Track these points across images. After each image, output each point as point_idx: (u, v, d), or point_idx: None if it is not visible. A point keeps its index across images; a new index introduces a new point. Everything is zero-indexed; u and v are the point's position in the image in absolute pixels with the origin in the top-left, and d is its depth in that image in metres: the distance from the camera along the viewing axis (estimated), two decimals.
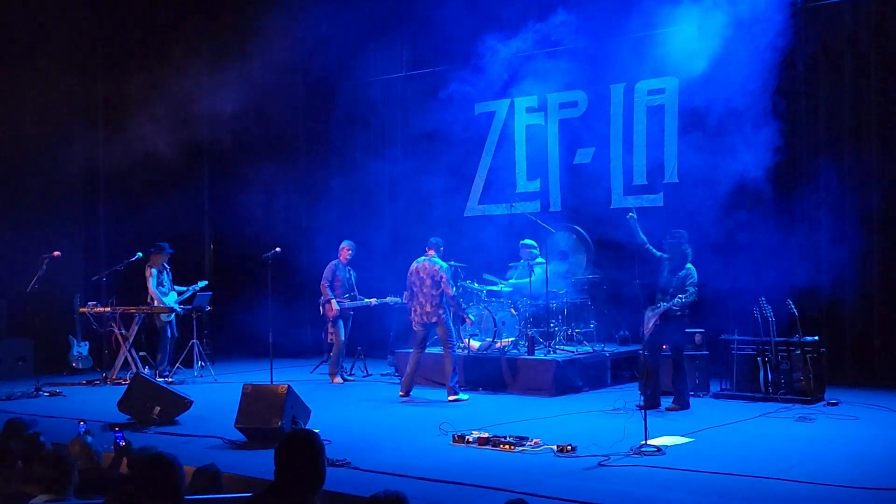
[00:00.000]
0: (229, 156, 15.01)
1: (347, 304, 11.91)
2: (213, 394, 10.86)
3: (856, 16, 10.89)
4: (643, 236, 9.60)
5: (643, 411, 7.75)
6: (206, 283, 13.07)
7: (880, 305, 10.73)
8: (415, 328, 10.59)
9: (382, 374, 12.45)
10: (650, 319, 9.31)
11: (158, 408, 8.89)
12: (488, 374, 10.96)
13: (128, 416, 8.99)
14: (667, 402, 9.39)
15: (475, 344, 11.17)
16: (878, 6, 10.77)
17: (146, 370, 11.98)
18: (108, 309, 12.17)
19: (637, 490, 6.26)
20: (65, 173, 13.90)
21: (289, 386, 8.16)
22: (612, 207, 12.28)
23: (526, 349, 11.05)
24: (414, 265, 10.58)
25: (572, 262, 12.25)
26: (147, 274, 12.27)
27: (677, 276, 9.30)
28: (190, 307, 12.51)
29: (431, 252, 10.56)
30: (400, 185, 14.36)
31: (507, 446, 7.54)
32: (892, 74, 10.68)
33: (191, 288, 12.71)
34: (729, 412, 9.07)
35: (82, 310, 12.49)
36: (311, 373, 12.55)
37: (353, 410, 9.84)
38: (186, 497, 4.40)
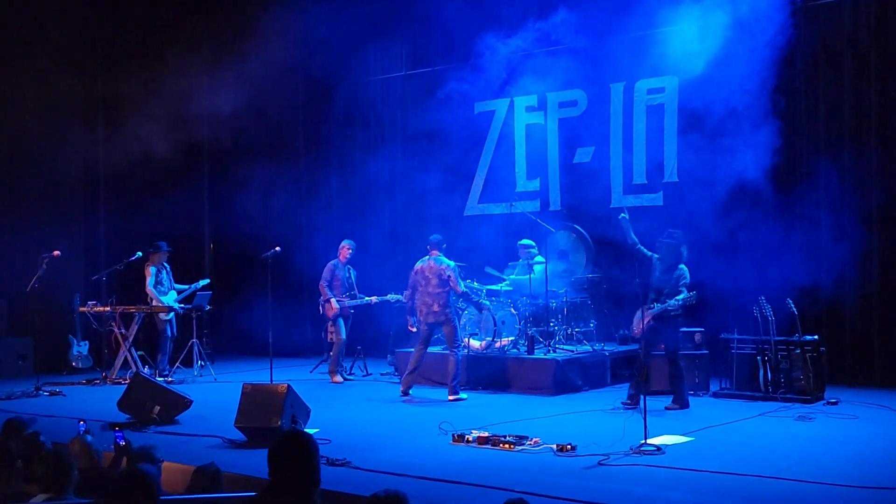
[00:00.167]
0: (229, 155, 15.01)
1: (348, 302, 11.91)
2: (213, 393, 10.87)
3: (855, 15, 10.89)
4: (634, 236, 9.59)
5: (643, 411, 7.74)
6: (207, 281, 13.07)
7: (880, 305, 10.73)
8: (420, 327, 10.56)
9: (382, 374, 12.45)
10: (641, 319, 9.31)
11: (158, 407, 8.89)
12: (488, 374, 10.96)
13: (128, 416, 8.99)
14: (665, 401, 9.38)
15: (475, 343, 11.17)
16: (878, 5, 10.77)
17: (146, 369, 11.98)
18: (108, 308, 12.17)
19: (637, 489, 6.26)
20: (64, 173, 13.91)
21: (288, 385, 8.16)
22: (611, 206, 12.28)
23: (526, 348, 11.06)
24: (419, 265, 10.56)
25: (572, 261, 12.25)
26: (146, 273, 12.28)
27: (670, 277, 9.29)
28: (190, 307, 12.51)
29: (435, 252, 10.54)
30: (399, 184, 14.36)
31: (506, 445, 7.54)
32: (891, 73, 10.67)
33: (191, 286, 12.71)
34: (729, 411, 9.08)
35: (82, 309, 12.49)
36: (311, 372, 12.56)
37: (352, 410, 9.84)
38: (186, 497, 4.42)
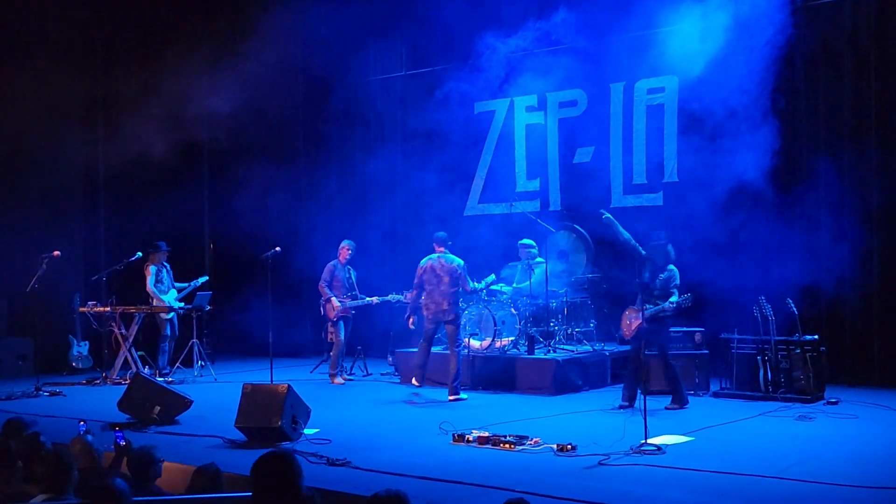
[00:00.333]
0: (228, 155, 15.02)
1: (349, 303, 11.90)
2: (213, 393, 10.86)
3: (855, 15, 10.89)
4: (626, 233, 9.52)
5: (642, 411, 7.74)
6: (206, 278, 13.08)
7: (880, 305, 10.73)
8: (425, 324, 10.54)
9: (382, 374, 12.45)
10: (633, 320, 9.30)
11: (158, 407, 8.89)
12: (488, 374, 10.96)
13: (128, 416, 8.99)
14: (664, 401, 9.38)
15: (475, 343, 11.17)
16: (878, 5, 10.77)
17: (146, 370, 11.98)
18: (108, 308, 12.17)
19: (637, 489, 6.26)
20: (64, 173, 13.91)
21: (289, 385, 8.16)
22: (611, 206, 12.26)
23: (526, 348, 11.06)
24: (427, 262, 10.52)
25: (572, 261, 12.25)
26: (146, 273, 12.29)
27: (660, 278, 9.26)
28: (190, 307, 12.51)
29: (442, 248, 10.53)
30: (399, 184, 14.36)
31: (507, 445, 7.54)
32: (891, 73, 10.67)
33: (191, 284, 12.72)
34: (729, 411, 9.08)
35: (82, 309, 12.49)
36: (311, 372, 12.56)
37: (353, 410, 9.84)
38: (184, 497, 4.42)
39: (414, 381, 10.59)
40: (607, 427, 8.22)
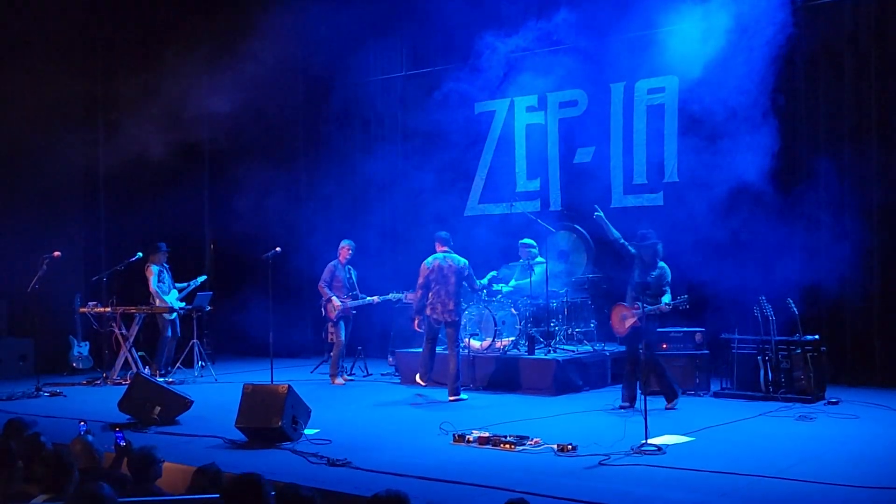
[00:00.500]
0: (228, 156, 15.02)
1: (350, 303, 11.89)
2: (214, 394, 10.86)
3: (856, 14, 10.89)
4: (616, 232, 9.54)
5: (643, 410, 7.74)
6: (205, 277, 13.08)
7: (881, 304, 10.72)
8: (432, 324, 10.45)
9: (383, 374, 12.45)
10: (627, 318, 9.30)
11: (159, 408, 8.88)
12: (489, 374, 10.96)
13: (128, 416, 8.99)
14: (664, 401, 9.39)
15: (475, 343, 11.16)
16: (878, 4, 10.76)
17: (146, 370, 11.98)
18: (109, 309, 12.17)
19: (638, 489, 6.25)
20: (65, 173, 13.91)
21: (289, 386, 8.16)
22: (612, 206, 12.28)
23: (526, 348, 11.05)
24: (433, 262, 10.46)
25: (572, 261, 12.25)
26: (148, 273, 12.29)
27: (652, 276, 9.25)
28: (190, 307, 12.51)
29: (444, 248, 10.51)
30: (399, 184, 14.35)
31: (507, 446, 7.54)
32: (892, 73, 10.67)
33: (190, 284, 12.72)
34: (729, 411, 9.07)
35: (82, 310, 12.49)
36: (312, 372, 12.55)
37: (353, 410, 9.84)
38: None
39: (420, 380, 10.55)
40: (608, 427, 8.22)
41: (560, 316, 11.59)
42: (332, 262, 11.99)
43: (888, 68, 10.67)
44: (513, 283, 11.81)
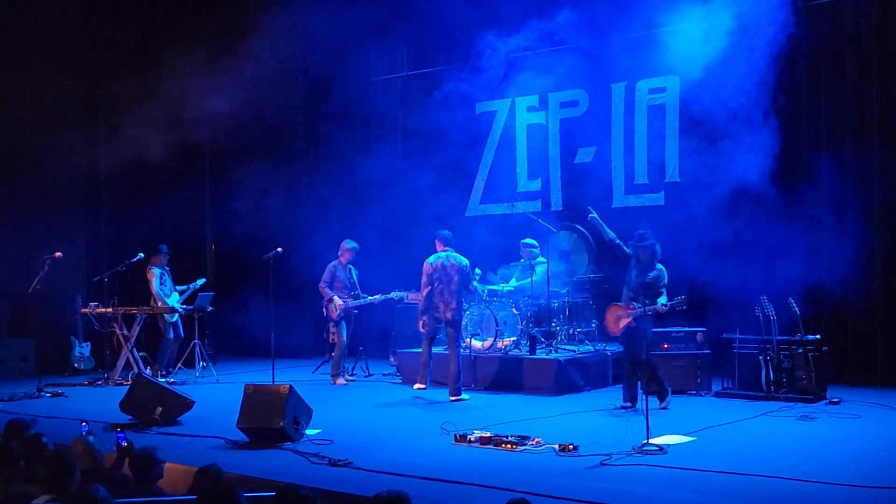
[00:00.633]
0: (229, 156, 15.02)
1: (352, 303, 11.88)
2: (215, 394, 10.86)
3: (857, 14, 10.89)
4: (611, 233, 9.56)
5: (644, 410, 7.74)
6: (204, 280, 13.08)
7: (882, 304, 10.71)
8: (433, 324, 10.41)
9: (384, 374, 12.44)
10: (622, 318, 9.29)
11: (160, 408, 8.88)
12: (490, 374, 10.96)
13: (130, 417, 8.99)
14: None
15: (477, 343, 11.16)
16: (880, 4, 10.76)
17: (147, 370, 11.98)
18: (110, 309, 12.17)
19: (639, 489, 6.25)
20: (65, 174, 13.91)
21: (291, 386, 8.15)
22: (613, 206, 12.29)
23: (527, 348, 11.05)
24: (436, 261, 10.42)
25: (574, 261, 12.25)
26: (149, 275, 12.29)
27: (650, 276, 9.25)
28: (191, 307, 12.51)
29: (446, 247, 10.48)
30: (400, 184, 14.35)
31: (508, 446, 7.53)
32: (893, 72, 10.66)
33: (190, 286, 12.72)
34: (731, 411, 9.07)
35: (84, 310, 12.49)
36: (313, 373, 12.55)
37: (355, 410, 9.84)
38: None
39: (419, 384, 10.51)
40: (609, 427, 8.22)
41: (561, 316, 11.58)
42: (333, 263, 11.98)
43: (889, 67, 10.66)
44: (514, 283, 11.80)
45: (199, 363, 12.43)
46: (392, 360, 12.60)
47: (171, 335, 12.36)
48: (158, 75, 12.91)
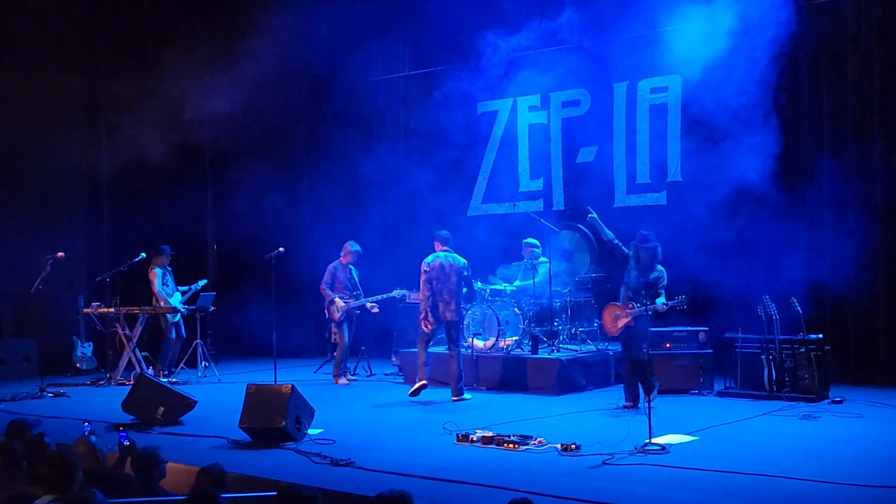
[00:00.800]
0: (231, 156, 15.03)
1: (353, 303, 11.87)
2: (217, 394, 10.87)
3: (858, 13, 10.88)
4: (610, 233, 9.56)
5: (645, 410, 7.74)
6: (205, 281, 13.09)
7: (885, 303, 10.70)
8: (433, 325, 10.34)
9: (386, 374, 12.44)
10: (620, 318, 9.29)
11: (162, 408, 8.88)
12: (492, 374, 10.95)
13: (132, 417, 9.00)
14: (666, 400, 9.36)
15: (479, 343, 11.15)
16: (881, 4, 10.75)
17: (150, 370, 11.99)
18: (112, 309, 12.18)
19: (641, 489, 6.24)
20: (67, 174, 13.92)
21: (293, 386, 8.15)
22: (615, 206, 12.28)
23: (529, 348, 11.04)
24: (435, 260, 10.38)
25: (576, 260, 12.25)
26: (152, 276, 12.29)
27: (649, 278, 9.23)
28: (194, 308, 12.52)
29: (445, 247, 10.47)
30: (401, 185, 14.35)
31: (510, 445, 7.53)
32: (894, 72, 10.65)
33: (192, 287, 12.73)
34: (733, 410, 9.06)
35: (86, 310, 12.49)
36: (315, 373, 12.56)
37: (357, 410, 9.84)
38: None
39: (420, 381, 10.46)
40: (611, 427, 8.22)
41: (563, 315, 11.58)
42: (333, 264, 11.97)
43: (891, 67, 10.65)
44: (516, 283, 11.79)
45: (201, 363, 12.43)
46: (394, 359, 12.59)
47: (174, 335, 12.36)
48: (158, 75, 12.91)
